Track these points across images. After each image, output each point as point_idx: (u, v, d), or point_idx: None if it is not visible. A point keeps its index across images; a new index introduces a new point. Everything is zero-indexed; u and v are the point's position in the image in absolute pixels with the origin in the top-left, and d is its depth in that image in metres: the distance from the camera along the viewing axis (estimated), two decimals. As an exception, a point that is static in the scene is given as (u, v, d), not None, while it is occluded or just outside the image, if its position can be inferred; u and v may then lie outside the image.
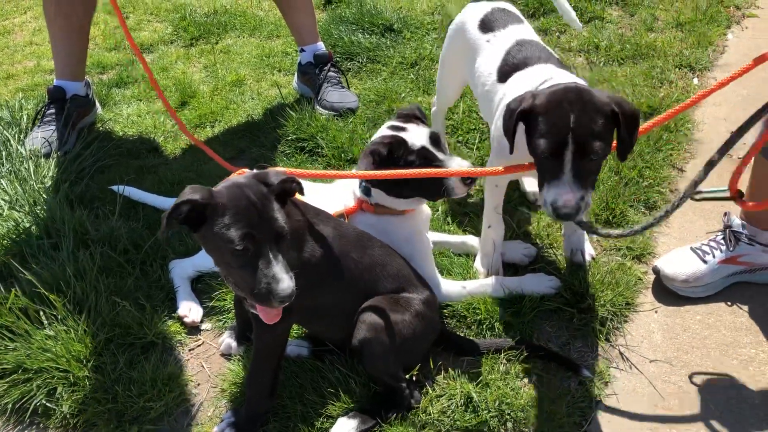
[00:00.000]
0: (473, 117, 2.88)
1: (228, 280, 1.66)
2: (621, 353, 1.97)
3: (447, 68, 2.43)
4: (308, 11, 3.15)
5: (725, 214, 2.17)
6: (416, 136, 1.95)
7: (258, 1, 4.26)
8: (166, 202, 2.44)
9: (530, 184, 2.45)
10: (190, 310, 2.08)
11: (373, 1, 3.92)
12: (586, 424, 1.78)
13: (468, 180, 1.93)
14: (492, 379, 1.85)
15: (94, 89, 3.17)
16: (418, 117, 2.05)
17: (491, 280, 2.08)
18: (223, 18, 3.99)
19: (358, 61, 3.40)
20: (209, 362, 2.00)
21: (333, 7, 3.99)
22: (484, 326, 1.99)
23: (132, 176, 2.67)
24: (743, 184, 1.93)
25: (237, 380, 1.89)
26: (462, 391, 1.81)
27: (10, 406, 1.87)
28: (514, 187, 2.50)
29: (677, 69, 3.22)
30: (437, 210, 2.42)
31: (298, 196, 1.70)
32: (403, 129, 1.98)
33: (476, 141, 2.75)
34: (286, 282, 1.49)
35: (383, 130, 2.02)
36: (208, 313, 2.13)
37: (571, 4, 3.66)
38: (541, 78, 1.86)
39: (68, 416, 1.84)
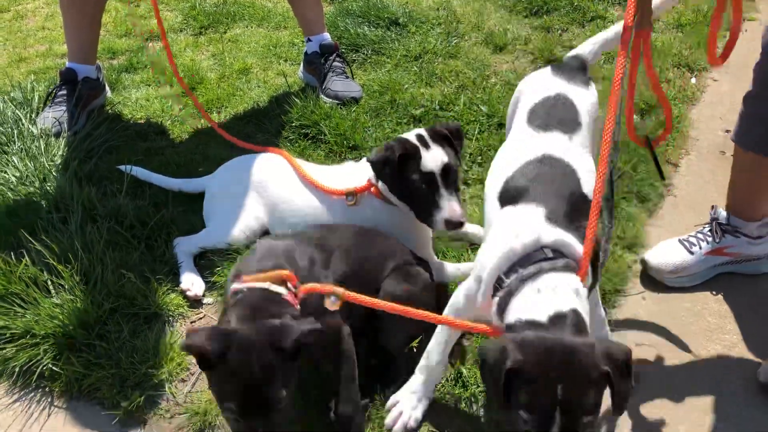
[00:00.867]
0: (473, 110, 2.95)
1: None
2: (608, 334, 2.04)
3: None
4: (316, 3, 3.22)
5: (713, 207, 2.24)
6: (433, 159, 2.02)
7: (267, -7, 4.33)
8: (172, 183, 2.51)
9: None
10: (192, 284, 2.16)
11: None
12: (572, 401, 1.84)
13: (451, 225, 2.00)
14: (482, 357, 1.92)
15: (104, 73, 3.24)
16: (450, 138, 2.08)
17: None
18: (232, 8, 4.06)
19: (363, 53, 3.47)
20: (210, 334, 2.07)
21: (340, 0, 4.06)
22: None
23: (140, 157, 2.74)
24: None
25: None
26: (453, 366, 1.88)
27: (17, 369, 1.94)
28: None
29: (676, 68, 3.29)
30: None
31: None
32: (426, 145, 2.04)
33: (476, 132, 2.82)
34: None
35: (411, 134, 2.09)
36: (210, 288, 2.19)
37: (573, 4, 3.78)
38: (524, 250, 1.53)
39: (73, 380, 1.91)
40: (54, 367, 1.93)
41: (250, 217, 2.29)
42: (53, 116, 2.88)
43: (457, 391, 1.85)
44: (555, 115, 1.78)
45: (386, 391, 1.84)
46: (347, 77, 3.16)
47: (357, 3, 3.85)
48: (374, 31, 3.59)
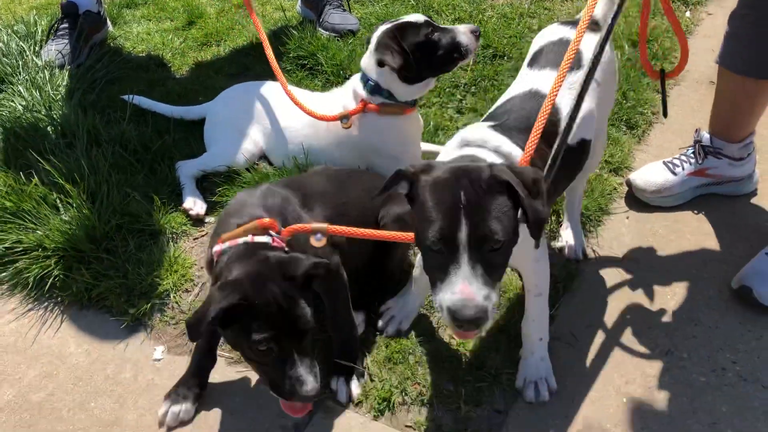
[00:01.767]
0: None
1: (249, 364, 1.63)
2: (593, 250, 2.14)
3: None
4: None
5: (696, 130, 2.31)
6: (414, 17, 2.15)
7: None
8: (174, 110, 2.58)
9: None
10: (194, 203, 2.25)
11: None
12: (554, 309, 1.94)
13: (476, 32, 2.10)
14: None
15: (105, 8, 3.28)
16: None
17: None
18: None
19: (360, -11, 3.50)
20: (212, 250, 2.18)
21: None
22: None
23: (142, 88, 2.81)
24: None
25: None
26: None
27: (31, 280, 2.05)
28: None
29: (672, 2, 3.31)
30: (429, 123, 2.56)
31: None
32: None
33: (470, 63, 2.87)
34: (310, 384, 1.46)
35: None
36: (211, 208, 2.29)
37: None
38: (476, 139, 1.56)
39: (83, 290, 2.02)
40: (65, 278, 2.04)
41: (249, 142, 2.37)
42: (56, 49, 2.94)
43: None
44: (554, 55, 1.76)
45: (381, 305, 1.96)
46: (344, 10, 3.20)
47: None
48: (372, -34, 3.60)
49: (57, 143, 2.41)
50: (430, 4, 3.30)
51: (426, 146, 2.42)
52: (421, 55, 2.10)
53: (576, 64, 1.68)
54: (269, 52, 2.39)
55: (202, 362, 1.77)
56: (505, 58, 2.93)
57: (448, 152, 1.57)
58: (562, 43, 1.75)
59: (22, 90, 2.68)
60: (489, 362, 1.81)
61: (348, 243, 1.77)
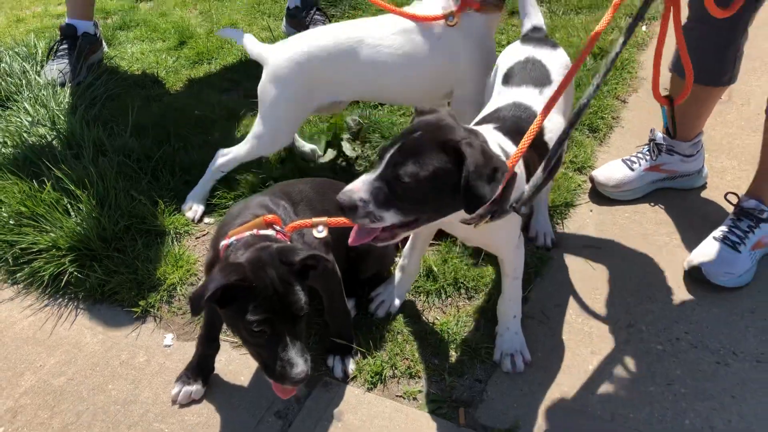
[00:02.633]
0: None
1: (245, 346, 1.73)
2: (560, 241, 2.36)
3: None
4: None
5: (651, 130, 2.56)
6: None
7: (248, -44, 4.56)
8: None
9: None
10: (191, 208, 2.44)
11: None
12: (527, 291, 2.16)
13: None
14: (450, 257, 2.23)
15: (100, 30, 3.47)
16: None
17: None
18: (217, -31, 4.29)
19: (341, 8, 3.75)
20: (213, 248, 2.37)
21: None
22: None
23: (140, 103, 3.00)
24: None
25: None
26: (424, 264, 2.20)
27: (47, 278, 2.23)
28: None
29: (628, 18, 3.59)
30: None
31: None
32: None
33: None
34: (300, 367, 1.53)
35: None
36: (211, 210, 2.48)
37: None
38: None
39: (96, 285, 2.20)
40: (79, 275, 2.21)
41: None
42: (57, 68, 3.13)
43: (428, 285, 2.17)
44: (526, 74, 1.93)
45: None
46: (327, 29, 3.41)
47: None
48: (351, -12, 3.86)
49: (64, 154, 2.59)
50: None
51: None
52: None
53: (544, 78, 1.92)
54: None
55: (208, 348, 1.94)
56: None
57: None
58: (529, 61, 1.97)
59: (27, 106, 2.86)
60: (469, 339, 2.01)
61: (335, 243, 1.93)
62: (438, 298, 2.15)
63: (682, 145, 2.47)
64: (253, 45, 2.38)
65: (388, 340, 2.02)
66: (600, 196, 2.54)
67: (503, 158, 1.60)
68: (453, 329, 2.04)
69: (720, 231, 2.19)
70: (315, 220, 1.78)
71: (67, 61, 3.16)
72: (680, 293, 2.15)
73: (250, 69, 3.25)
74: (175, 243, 2.35)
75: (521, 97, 1.88)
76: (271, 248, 1.58)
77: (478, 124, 1.84)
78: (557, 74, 1.96)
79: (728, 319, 2.06)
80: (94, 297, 2.20)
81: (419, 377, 1.93)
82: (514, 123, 1.80)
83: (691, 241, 2.29)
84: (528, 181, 1.72)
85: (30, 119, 2.79)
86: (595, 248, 2.33)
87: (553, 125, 1.85)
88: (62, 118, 2.80)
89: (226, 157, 2.43)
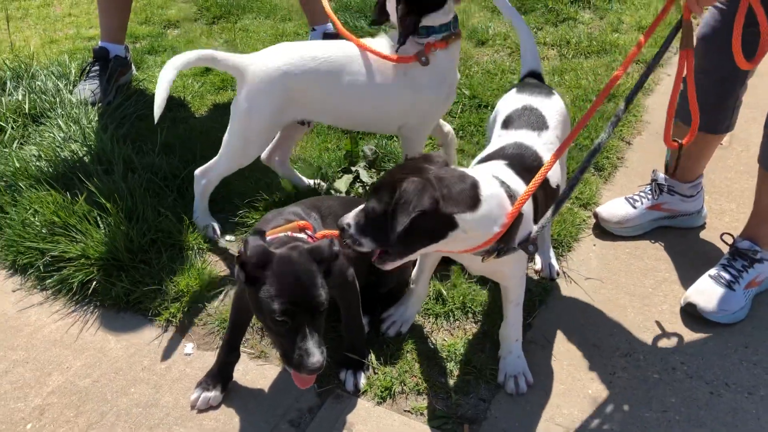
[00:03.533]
0: (457, 92, 3.39)
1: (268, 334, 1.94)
2: (564, 272, 2.47)
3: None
4: (320, -1, 3.65)
5: (654, 170, 2.69)
6: None
7: (273, -11, 4.76)
8: None
9: None
10: (206, 227, 2.56)
11: None
12: (531, 318, 2.28)
13: None
14: (459, 282, 2.35)
15: (131, 54, 3.64)
16: None
17: None
18: (242, 1, 4.49)
19: (361, 43, 3.91)
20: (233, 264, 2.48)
21: (340, -3, 4.50)
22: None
23: (167, 124, 3.15)
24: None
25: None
26: (434, 288, 2.31)
27: (75, 285, 2.34)
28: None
29: (635, 63, 3.76)
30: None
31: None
32: None
33: (458, 111, 3.26)
34: (316, 357, 1.65)
35: None
36: (233, 229, 2.61)
37: (548, 6, 4.24)
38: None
39: (121, 294, 2.31)
40: (105, 284, 2.33)
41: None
42: (89, 88, 3.29)
43: (437, 308, 2.28)
44: (524, 120, 2.07)
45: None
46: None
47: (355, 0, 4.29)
48: (372, 26, 4.03)
49: (95, 169, 2.72)
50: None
51: None
52: None
53: (541, 123, 2.07)
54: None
55: (228, 357, 2.05)
56: (489, 107, 3.32)
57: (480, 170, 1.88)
58: (526, 109, 2.12)
59: (60, 123, 3.01)
60: (475, 360, 2.12)
61: (357, 259, 2.06)
62: (446, 320, 2.26)
63: (683, 186, 2.60)
64: (226, 57, 2.34)
65: (398, 358, 2.12)
66: (603, 231, 2.66)
67: (499, 195, 1.74)
68: (460, 350, 2.15)
69: (715, 270, 2.31)
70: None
71: (98, 81, 3.32)
72: (677, 326, 2.26)
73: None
74: (198, 257, 2.47)
75: (519, 137, 2.03)
76: (302, 246, 1.72)
77: (484, 160, 1.98)
78: (553, 119, 2.10)
79: (722, 353, 2.16)
80: (119, 305, 2.32)
81: (426, 394, 2.03)
82: (519, 160, 1.93)
83: (689, 278, 2.40)
84: (536, 219, 1.85)
85: (63, 135, 2.93)
86: (596, 280, 2.44)
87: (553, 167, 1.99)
88: (93, 135, 2.94)
89: (207, 177, 2.51)
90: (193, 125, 3.17)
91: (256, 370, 2.10)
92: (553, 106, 2.15)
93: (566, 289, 2.41)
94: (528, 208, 1.82)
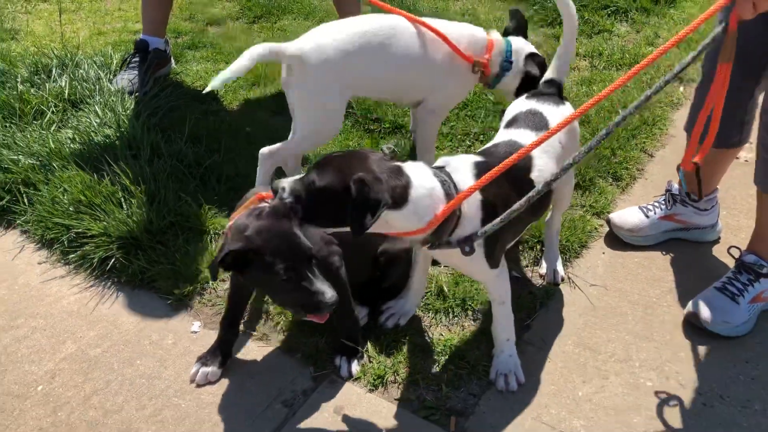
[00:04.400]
0: (482, 98, 3.43)
1: (277, 302, 2.04)
2: (568, 277, 2.49)
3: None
4: (356, 1, 3.74)
5: (669, 181, 2.68)
6: None
7: (314, -8, 4.88)
8: None
9: None
10: None
11: (413, 2, 4.52)
12: (530, 320, 2.30)
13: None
14: (461, 280, 2.39)
15: (170, 47, 3.79)
16: None
17: None
18: (283, 2, 4.62)
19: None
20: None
21: (378, 2, 4.58)
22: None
23: (198, 116, 3.27)
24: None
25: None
26: (436, 285, 2.36)
27: (95, 261, 2.47)
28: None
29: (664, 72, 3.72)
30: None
31: None
32: None
33: (482, 115, 3.30)
34: (329, 293, 1.77)
35: None
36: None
37: (584, 17, 4.23)
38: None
39: (137, 272, 2.43)
40: (123, 261, 2.45)
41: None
42: (128, 78, 3.44)
43: (438, 304, 2.32)
44: (526, 121, 2.14)
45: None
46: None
47: (392, 4, 4.35)
48: (405, 29, 4.10)
49: (124, 154, 2.85)
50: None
51: None
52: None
53: (542, 126, 2.10)
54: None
55: (227, 334, 2.14)
56: (513, 114, 3.35)
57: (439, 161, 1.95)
58: (531, 112, 2.17)
59: (97, 109, 3.16)
60: (469, 355, 2.15)
61: (361, 250, 2.13)
62: (446, 316, 2.30)
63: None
64: (279, 47, 2.41)
65: (393, 349, 2.18)
66: (614, 241, 2.66)
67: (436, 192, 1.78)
68: (456, 346, 2.19)
69: (721, 282, 2.29)
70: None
71: (137, 72, 3.47)
72: (678, 337, 2.25)
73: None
74: (213, 242, 2.56)
75: (517, 136, 2.08)
76: (264, 209, 1.79)
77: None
78: (554, 124, 2.09)
79: (721, 365, 2.15)
80: (135, 282, 2.43)
81: (418, 385, 2.07)
82: (500, 159, 1.90)
83: (696, 291, 2.38)
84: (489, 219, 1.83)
85: (98, 121, 3.08)
86: (601, 287, 2.45)
87: (544, 165, 2.01)
88: (126, 122, 3.08)
89: (274, 158, 2.55)
90: (223, 118, 3.29)
91: (257, 351, 2.18)
92: (559, 113, 2.18)
93: (570, 294, 2.42)
94: (472, 208, 1.84)
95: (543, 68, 2.55)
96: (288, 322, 2.26)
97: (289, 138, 2.56)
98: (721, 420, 1.98)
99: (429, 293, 2.35)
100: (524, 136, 2.07)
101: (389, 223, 1.75)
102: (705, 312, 2.23)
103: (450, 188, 1.81)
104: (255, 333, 2.24)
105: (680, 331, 2.28)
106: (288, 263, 1.73)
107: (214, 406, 2.01)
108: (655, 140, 3.26)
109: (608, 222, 2.67)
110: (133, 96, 3.35)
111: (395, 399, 2.04)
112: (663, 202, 2.65)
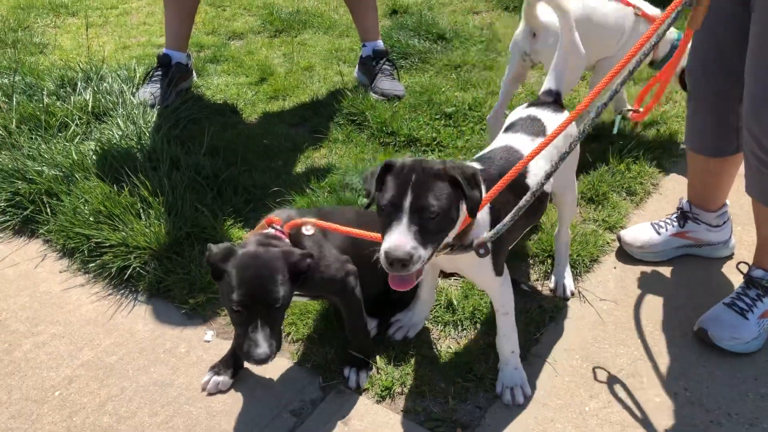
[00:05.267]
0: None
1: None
2: (579, 292, 2.49)
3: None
4: (374, 16, 3.80)
5: (680, 198, 2.68)
6: None
7: (335, 6, 4.96)
8: None
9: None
10: None
11: (432, 14, 4.57)
12: (539, 333, 2.31)
13: None
14: (471, 293, 2.41)
15: (192, 61, 3.88)
16: None
17: None
18: (304, 17, 4.70)
19: (411, 61, 4.04)
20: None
21: (398, 16, 4.65)
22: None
23: (217, 128, 3.35)
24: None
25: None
26: (446, 298, 2.38)
27: (114, 270, 2.54)
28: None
29: (682, 91, 3.72)
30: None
31: None
32: None
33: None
34: (262, 348, 1.75)
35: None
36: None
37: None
38: None
39: (154, 281, 2.49)
40: (141, 271, 2.51)
41: None
42: (150, 91, 3.53)
43: (447, 317, 2.35)
44: (523, 126, 2.17)
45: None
46: (394, 78, 3.71)
47: (411, 18, 4.42)
48: (423, 43, 4.16)
49: (144, 165, 2.93)
50: (469, 79, 3.80)
51: None
52: None
53: (539, 132, 2.13)
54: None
55: None
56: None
57: None
58: (530, 118, 2.20)
59: (120, 122, 3.24)
60: (477, 368, 2.17)
61: (372, 266, 2.15)
62: (454, 329, 2.33)
63: (708, 216, 2.58)
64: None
65: (401, 360, 2.20)
66: (626, 256, 2.66)
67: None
68: (463, 359, 2.21)
69: (730, 297, 2.28)
70: (305, 219, 2.03)
71: (159, 85, 3.56)
72: (687, 353, 2.25)
73: (320, 108, 3.58)
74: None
75: (514, 141, 2.11)
76: (274, 248, 1.84)
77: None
78: (552, 129, 2.12)
79: (729, 382, 2.14)
80: (151, 291, 2.49)
81: (425, 397, 2.09)
82: (498, 167, 1.99)
83: (707, 307, 2.36)
84: (494, 223, 1.87)
85: (120, 133, 3.17)
86: (611, 302, 2.45)
87: (539, 170, 2.03)
88: (147, 134, 3.16)
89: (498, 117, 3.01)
90: (241, 130, 3.36)
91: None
92: (558, 120, 2.20)
93: (579, 308, 2.43)
94: (483, 213, 1.88)
95: None
96: (298, 332, 2.31)
97: None
98: (728, 438, 1.98)
99: (438, 306, 2.38)
100: (520, 141, 2.11)
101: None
102: (714, 328, 2.22)
103: None
104: (266, 343, 2.28)
105: (689, 347, 2.27)
106: (245, 298, 1.76)
107: (224, 415, 2.06)
108: (669, 155, 3.25)
109: (619, 239, 2.68)
110: (154, 109, 3.43)
111: (402, 410, 2.07)
112: (675, 219, 2.64)
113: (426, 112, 3.47)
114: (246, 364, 2.18)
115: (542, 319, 2.37)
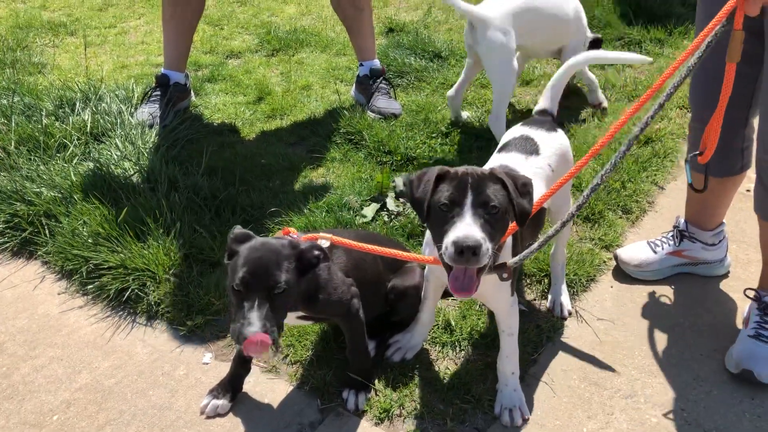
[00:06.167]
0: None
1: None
2: (576, 311, 2.50)
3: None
4: (370, 35, 3.83)
5: (677, 217, 2.70)
6: None
7: (332, 25, 4.99)
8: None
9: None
10: None
11: (428, 33, 4.61)
12: (537, 354, 2.32)
13: None
14: (469, 314, 2.42)
15: (191, 81, 3.90)
16: None
17: None
18: (301, 36, 4.74)
19: (407, 79, 4.06)
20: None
21: (394, 35, 4.68)
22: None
23: (215, 148, 3.36)
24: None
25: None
26: (444, 318, 2.39)
27: (112, 292, 2.54)
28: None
29: (678, 109, 3.75)
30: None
31: None
32: None
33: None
34: (255, 327, 1.66)
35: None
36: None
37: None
38: None
39: (152, 304, 2.49)
40: (139, 293, 2.52)
41: None
42: (148, 111, 3.54)
43: (445, 337, 2.36)
44: (517, 145, 2.21)
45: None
46: (390, 97, 3.74)
47: (407, 37, 4.46)
48: (419, 62, 4.19)
49: (143, 187, 2.94)
50: (465, 97, 3.81)
51: None
52: None
53: (532, 151, 2.18)
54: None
55: (239, 369, 2.19)
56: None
57: None
58: (524, 138, 2.24)
59: (118, 143, 3.26)
60: (475, 389, 2.18)
61: (374, 289, 2.21)
62: (452, 350, 2.33)
63: (704, 234, 2.59)
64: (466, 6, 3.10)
65: (400, 382, 2.21)
66: (622, 275, 2.67)
67: None
68: (462, 379, 2.21)
69: (752, 329, 2.24)
70: (322, 234, 2.02)
71: (157, 105, 3.58)
72: (684, 373, 2.26)
73: (317, 127, 3.59)
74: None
75: (508, 161, 2.15)
76: (286, 240, 1.86)
77: None
78: (548, 149, 2.21)
79: (727, 402, 2.15)
80: (149, 313, 2.50)
81: (423, 419, 2.10)
82: None
83: (704, 325, 2.40)
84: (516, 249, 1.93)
85: (119, 154, 3.18)
86: (608, 321, 2.46)
87: (538, 191, 2.04)
88: (145, 155, 3.18)
89: (500, 116, 3.25)
90: (239, 150, 3.37)
91: (266, 384, 2.23)
92: (552, 139, 2.25)
93: (576, 328, 2.44)
94: (508, 241, 1.91)
95: None
96: (296, 354, 2.31)
97: None
98: (725, 458, 1.98)
99: (436, 327, 2.39)
100: (514, 160, 2.15)
101: None
102: (759, 367, 2.16)
103: None
104: (264, 365, 2.28)
105: (686, 367, 2.28)
106: (247, 276, 1.72)
107: (223, 438, 2.06)
108: (665, 173, 3.28)
109: (616, 258, 2.69)
110: (153, 129, 3.45)
111: (400, 433, 2.07)
112: (671, 237, 2.66)
113: (423, 130, 3.49)
114: (245, 388, 2.19)
115: (539, 339, 2.37)
